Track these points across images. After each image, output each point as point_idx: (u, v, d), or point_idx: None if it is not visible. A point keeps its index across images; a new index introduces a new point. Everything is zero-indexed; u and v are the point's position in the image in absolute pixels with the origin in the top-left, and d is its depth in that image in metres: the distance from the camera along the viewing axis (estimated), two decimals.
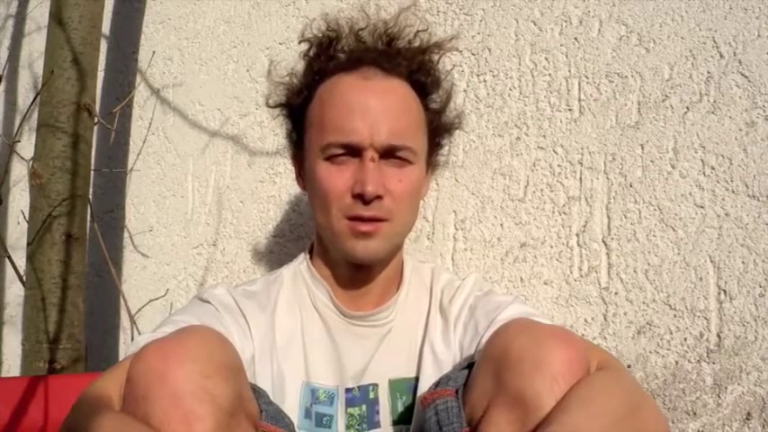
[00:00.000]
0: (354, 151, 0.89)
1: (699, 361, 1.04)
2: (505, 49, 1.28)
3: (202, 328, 0.74)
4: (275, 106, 1.02)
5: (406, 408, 0.91)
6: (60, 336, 1.44)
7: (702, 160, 1.07)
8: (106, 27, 1.90)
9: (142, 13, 1.91)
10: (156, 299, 1.65)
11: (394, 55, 0.93)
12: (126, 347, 1.72)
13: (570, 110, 1.20)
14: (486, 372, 0.74)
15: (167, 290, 1.68)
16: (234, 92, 1.66)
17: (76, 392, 0.69)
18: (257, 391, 0.77)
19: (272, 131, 1.55)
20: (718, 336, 1.03)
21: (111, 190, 1.88)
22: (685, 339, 1.06)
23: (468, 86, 1.31)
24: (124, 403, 0.66)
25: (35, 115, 1.57)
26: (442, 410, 0.76)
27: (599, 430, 0.63)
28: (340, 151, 0.89)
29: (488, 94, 1.29)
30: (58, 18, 1.52)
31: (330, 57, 0.95)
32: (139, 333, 1.55)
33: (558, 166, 1.20)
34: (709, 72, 1.08)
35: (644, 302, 1.09)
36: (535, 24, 1.25)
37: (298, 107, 0.98)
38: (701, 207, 1.07)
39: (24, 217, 1.51)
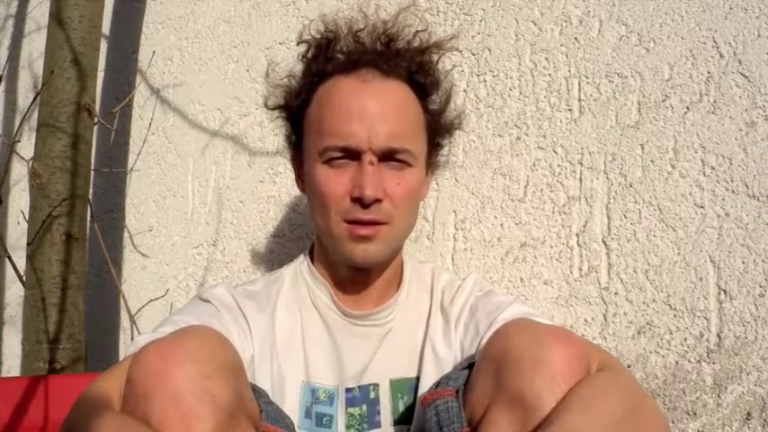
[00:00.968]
0: (353, 155, 0.88)
1: (699, 361, 1.04)
2: (505, 49, 1.28)
3: (202, 328, 0.74)
4: (274, 108, 1.01)
5: (406, 408, 0.91)
6: (60, 336, 1.44)
7: (702, 160, 1.07)
8: (106, 27, 1.90)
9: (142, 13, 1.91)
10: (156, 299, 1.65)
11: (393, 56, 0.93)
12: (126, 347, 1.72)
13: (570, 110, 1.20)
14: (486, 372, 0.74)
15: (167, 290, 1.68)
16: (234, 92, 1.66)
17: (76, 392, 0.69)
18: (257, 391, 0.77)
19: (272, 131, 1.55)
20: (718, 336, 1.03)
21: (111, 190, 1.88)
22: (685, 339, 1.06)
23: (468, 86, 1.31)
24: (124, 403, 0.66)
25: (35, 115, 1.57)
26: (442, 410, 0.76)
27: (599, 431, 0.63)
28: (338, 155, 0.89)
29: (488, 94, 1.29)
30: (58, 18, 1.52)
31: (328, 58, 0.94)
32: (139, 333, 1.55)
33: (558, 166, 1.20)
34: (709, 72, 1.08)
35: (644, 302, 1.09)
36: (535, 24, 1.25)
37: (296, 109, 0.97)
38: (701, 207, 1.07)
39: (24, 217, 1.51)
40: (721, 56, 1.07)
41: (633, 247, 1.11)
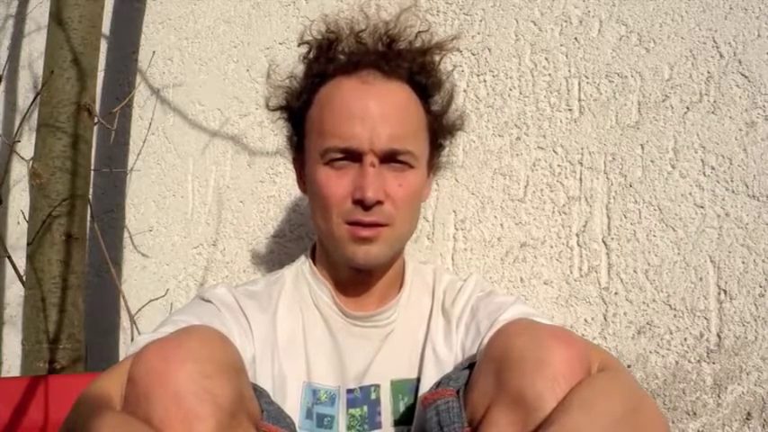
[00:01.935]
0: (354, 156, 0.88)
1: (699, 361, 1.04)
2: (505, 49, 1.28)
3: (203, 327, 0.74)
4: (275, 109, 1.01)
5: (407, 408, 0.91)
6: (60, 336, 1.44)
7: (702, 160, 1.08)
8: (106, 27, 1.90)
9: (142, 13, 1.91)
10: (156, 299, 1.65)
11: (394, 57, 0.92)
12: (126, 347, 1.72)
13: (570, 110, 1.20)
14: (487, 372, 0.74)
15: (167, 290, 1.68)
16: (234, 92, 1.66)
17: (76, 392, 0.69)
18: (258, 391, 0.77)
19: (272, 131, 1.55)
20: (718, 336, 1.03)
21: (111, 190, 1.88)
22: (685, 339, 1.06)
23: (468, 86, 1.31)
24: (125, 403, 0.66)
25: (35, 115, 1.57)
26: (443, 410, 0.76)
27: (600, 431, 0.63)
28: (340, 156, 0.88)
29: (488, 94, 1.29)
30: (58, 18, 1.52)
31: (330, 59, 0.94)
32: (139, 333, 1.55)
33: (558, 166, 1.20)
34: (709, 72, 1.08)
35: (644, 302, 1.09)
36: (535, 24, 1.25)
37: (297, 110, 0.97)
38: (701, 207, 1.07)
39: (24, 217, 1.51)
40: (721, 56, 1.08)
41: (633, 247, 1.11)
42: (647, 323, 1.09)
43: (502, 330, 0.78)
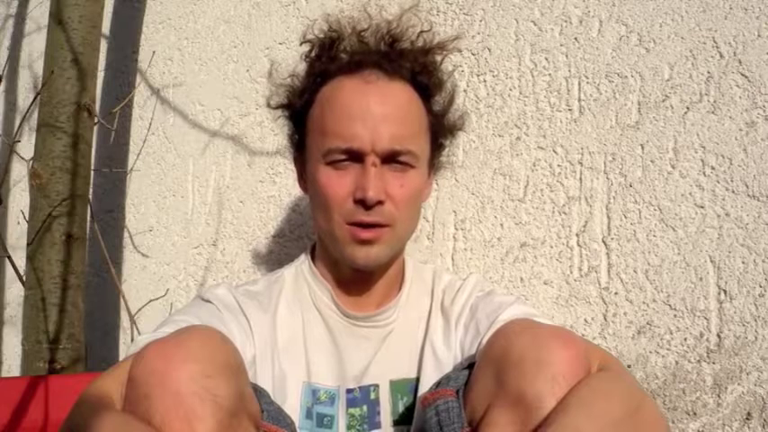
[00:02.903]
0: (356, 156, 0.88)
1: (699, 361, 1.04)
2: (505, 49, 1.28)
3: (203, 327, 0.74)
4: (277, 108, 1.01)
5: (406, 408, 0.91)
6: (60, 336, 1.44)
7: (702, 160, 1.08)
8: (106, 27, 1.90)
9: (142, 13, 1.91)
10: (156, 299, 1.65)
11: (396, 56, 0.92)
12: (126, 347, 1.72)
13: (570, 110, 1.20)
14: (486, 372, 0.74)
15: (167, 290, 1.68)
16: (234, 92, 1.66)
17: (76, 392, 0.69)
18: (258, 391, 0.77)
19: (272, 131, 1.55)
20: (718, 336, 1.03)
21: (111, 190, 1.88)
22: (685, 339, 1.06)
23: (468, 86, 1.31)
24: (125, 403, 0.66)
25: (35, 115, 1.57)
26: (442, 411, 0.76)
27: (600, 431, 0.63)
28: (341, 156, 0.88)
29: (488, 94, 1.29)
30: (58, 18, 1.52)
31: (332, 58, 0.94)
32: (139, 333, 1.55)
33: (558, 166, 1.20)
34: (709, 72, 1.08)
35: (644, 302, 1.10)
36: (535, 24, 1.25)
37: (299, 110, 0.97)
38: (701, 207, 1.07)
39: (24, 217, 1.51)
40: (721, 56, 1.08)
41: (633, 247, 1.11)
42: (647, 323, 1.09)
43: (501, 330, 0.78)
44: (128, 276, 1.80)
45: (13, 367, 2.00)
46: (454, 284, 0.98)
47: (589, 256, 1.15)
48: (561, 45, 1.22)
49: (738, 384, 1.01)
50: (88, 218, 1.55)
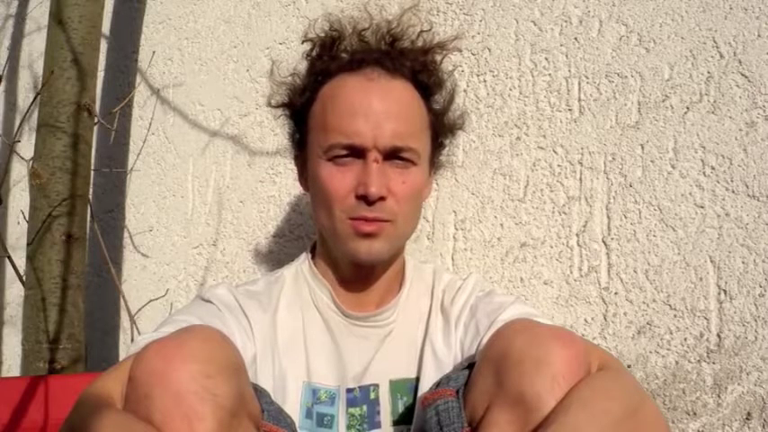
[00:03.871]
0: (358, 153, 0.88)
1: (699, 361, 1.04)
2: (505, 49, 1.28)
3: (204, 327, 0.74)
4: (278, 106, 1.01)
5: (406, 408, 0.91)
6: (60, 336, 1.44)
7: (702, 160, 1.08)
8: (106, 27, 1.90)
9: (142, 13, 1.91)
10: (156, 299, 1.65)
11: (397, 55, 0.93)
12: (126, 347, 1.72)
13: (570, 110, 1.20)
14: (486, 372, 0.74)
15: (167, 290, 1.68)
16: (234, 92, 1.66)
17: (76, 392, 0.69)
18: (259, 391, 0.77)
19: (272, 131, 1.55)
20: (719, 336, 1.03)
21: (111, 190, 1.88)
22: (685, 339, 1.06)
23: (468, 86, 1.31)
24: (126, 403, 0.66)
25: (35, 115, 1.57)
26: (442, 410, 0.76)
27: (599, 430, 0.63)
28: (343, 152, 0.89)
29: (488, 94, 1.29)
30: (58, 18, 1.52)
31: (333, 57, 0.95)
32: (139, 333, 1.55)
33: (558, 166, 1.20)
34: (709, 72, 1.08)
35: (644, 302, 1.10)
36: (535, 24, 1.25)
37: (300, 108, 0.98)
38: (701, 207, 1.07)
39: (24, 217, 1.51)
40: (721, 56, 1.08)
41: (633, 247, 1.11)
42: (647, 323, 1.09)
43: (501, 330, 0.78)
44: (128, 276, 1.80)
45: (13, 367, 2.00)
46: (454, 284, 0.98)
47: (589, 256, 1.15)
48: (561, 45, 1.22)
49: (738, 384, 1.01)
50: (88, 218, 1.55)
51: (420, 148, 0.92)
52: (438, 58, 0.98)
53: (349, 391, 0.90)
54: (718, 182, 1.06)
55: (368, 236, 0.89)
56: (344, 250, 0.91)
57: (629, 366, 1.09)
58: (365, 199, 0.87)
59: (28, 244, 1.48)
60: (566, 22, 1.22)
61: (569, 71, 1.21)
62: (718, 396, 1.02)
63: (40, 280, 1.45)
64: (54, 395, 1.14)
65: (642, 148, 1.13)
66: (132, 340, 1.51)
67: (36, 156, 1.50)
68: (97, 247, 1.62)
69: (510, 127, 1.26)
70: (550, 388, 0.67)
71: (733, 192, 1.05)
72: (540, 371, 0.68)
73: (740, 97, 1.05)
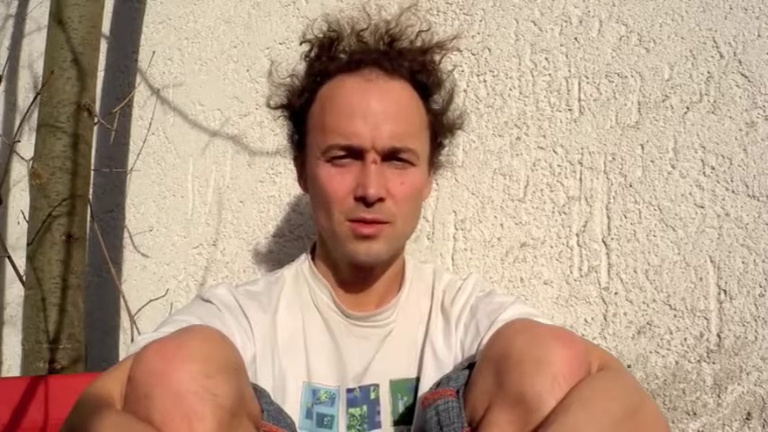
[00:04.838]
0: (356, 154, 0.88)
1: (699, 361, 1.04)
2: (505, 49, 1.28)
3: (204, 327, 0.74)
4: (276, 107, 1.01)
5: (406, 408, 0.91)
6: (60, 336, 1.44)
7: (702, 160, 1.08)
8: (106, 27, 1.90)
9: (142, 13, 1.91)
10: (156, 299, 1.65)
11: (396, 56, 0.93)
12: (126, 347, 1.72)
13: (570, 110, 1.20)
14: (487, 372, 0.74)
15: (167, 290, 1.68)
16: (234, 92, 1.66)
17: (76, 392, 0.69)
18: (258, 391, 0.77)
19: (272, 131, 1.55)
20: (718, 336, 1.03)
21: (111, 190, 1.88)
22: (685, 339, 1.06)
23: (468, 86, 1.31)
24: (125, 403, 0.66)
25: (35, 115, 1.57)
26: (442, 410, 0.76)
27: (599, 430, 0.63)
28: (342, 153, 0.89)
29: (488, 94, 1.29)
30: (58, 18, 1.52)
31: (331, 58, 0.94)
32: (139, 333, 1.55)
33: (558, 166, 1.20)
34: (709, 72, 1.08)
35: (644, 302, 1.10)
36: (535, 24, 1.25)
37: (299, 109, 0.97)
38: (701, 207, 1.07)
39: (24, 217, 1.51)
40: (721, 56, 1.08)
41: (633, 247, 1.11)
42: (647, 323, 1.09)
43: (501, 330, 0.78)
44: (128, 276, 1.80)
45: (13, 367, 2.00)
46: (454, 284, 0.98)
47: (589, 256, 1.15)
48: (561, 45, 1.22)
49: (738, 384, 1.01)
50: (88, 218, 1.55)
51: (419, 149, 0.92)
52: (437, 57, 0.98)
53: (349, 391, 0.90)
54: (718, 182, 1.06)
55: (366, 237, 0.88)
56: (344, 252, 0.91)
57: (629, 366, 1.09)
58: (364, 200, 0.87)
59: (28, 244, 1.48)
60: (566, 22, 1.22)
61: (569, 71, 1.21)
62: (718, 396, 1.02)
63: (40, 280, 1.45)
64: (54, 395, 1.14)
65: (642, 148, 1.13)
66: (132, 340, 1.51)
67: (36, 156, 1.50)
68: (97, 247, 1.62)
69: (510, 127, 1.26)
70: (551, 388, 0.67)
71: (733, 192, 1.05)
72: (540, 371, 0.68)
73: (740, 97, 1.05)
